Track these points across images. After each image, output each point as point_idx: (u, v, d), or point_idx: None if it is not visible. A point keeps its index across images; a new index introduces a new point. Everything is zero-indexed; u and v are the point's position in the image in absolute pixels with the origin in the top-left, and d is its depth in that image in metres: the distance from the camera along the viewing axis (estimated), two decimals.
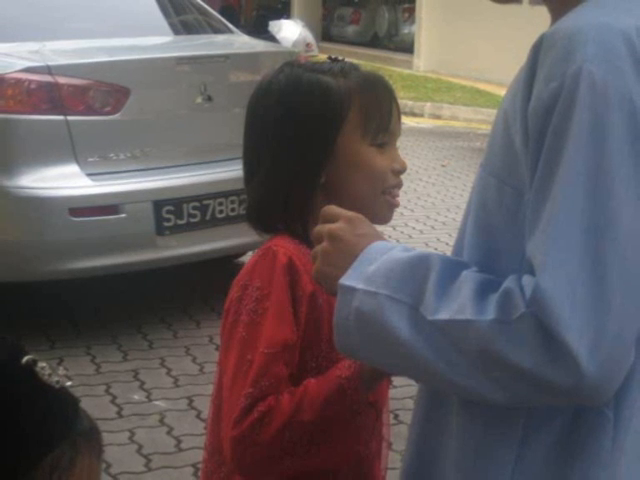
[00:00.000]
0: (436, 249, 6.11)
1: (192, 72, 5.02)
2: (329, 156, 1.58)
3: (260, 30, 16.65)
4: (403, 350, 1.23)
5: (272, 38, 14.40)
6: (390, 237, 6.08)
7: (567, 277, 1.13)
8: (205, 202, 4.87)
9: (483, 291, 1.19)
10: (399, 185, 1.65)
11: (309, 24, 18.11)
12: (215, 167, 4.96)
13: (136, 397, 4.19)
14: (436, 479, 1.37)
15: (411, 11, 18.25)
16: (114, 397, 4.17)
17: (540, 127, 1.18)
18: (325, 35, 21.37)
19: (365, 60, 14.90)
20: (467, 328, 1.17)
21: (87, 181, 4.59)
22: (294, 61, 1.68)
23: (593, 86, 1.15)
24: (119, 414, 4.02)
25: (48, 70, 4.54)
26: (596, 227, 1.14)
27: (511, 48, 10.69)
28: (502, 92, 1.55)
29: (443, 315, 1.20)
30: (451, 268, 1.24)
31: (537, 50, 1.22)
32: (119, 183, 4.68)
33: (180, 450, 3.74)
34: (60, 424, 1.06)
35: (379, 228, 1.44)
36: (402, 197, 1.73)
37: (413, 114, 12.45)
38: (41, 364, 1.07)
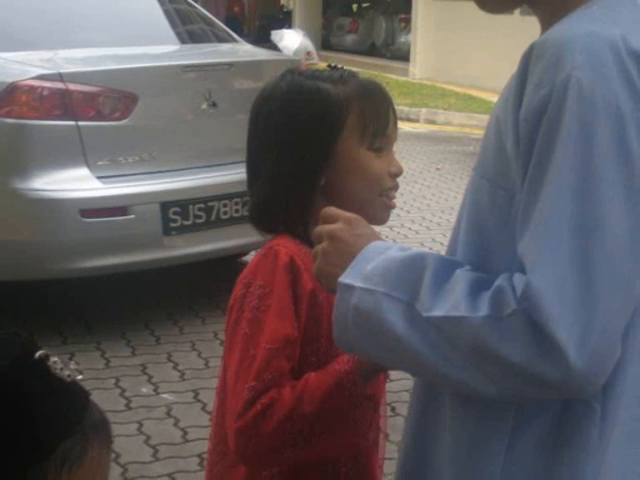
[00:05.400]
0: (431, 249, 6.10)
1: (197, 79, 5.02)
2: (328, 160, 1.58)
3: (262, 39, 16.68)
4: (399, 345, 1.23)
5: (274, 47, 14.43)
6: (387, 237, 6.08)
7: (557, 276, 1.13)
8: (210, 204, 4.87)
9: (476, 289, 1.19)
10: (396, 187, 1.65)
11: (309, 33, 18.13)
12: (219, 170, 4.96)
13: (144, 390, 4.19)
14: (431, 470, 1.37)
15: (407, 21, 18.25)
16: (123, 390, 4.17)
17: (530, 132, 1.18)
18: (325, 44, 21.38)
19: (363, 68, 14.92)
20: (461, 324, 1.17)
21: (97, 183, 4.60)
22: (295, 69, 1.68)
23: (581, 93, 1.15)
24: (128, 406, 4.02)
25: (60, 77, 4.54)
26: (584, 228, 1.14)
27: (503, 56, 10.69)
28: (494, 98, 1.55)
29: (438, 312, 1.20)
30: (446, 267, 1.24)
31: (528, 58, 1.22)
32: (128, 185, 4.68)
33: (186, 441, 3.74)
34: (71, 416, 1.06)
35: (376, 228, 1.44)
36: (398, 199, 1.73)
37: (409, 119, 12.44)
38: (53, 359, 1.07)
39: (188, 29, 6.02)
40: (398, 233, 6.79)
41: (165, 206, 4.71)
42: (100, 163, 4.63)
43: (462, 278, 1.22)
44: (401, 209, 7.26)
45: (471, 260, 1.28)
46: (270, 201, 1.61)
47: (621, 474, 1.24)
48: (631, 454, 1.25)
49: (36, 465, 1.03)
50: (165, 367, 4.43)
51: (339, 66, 1.67)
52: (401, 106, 12.20)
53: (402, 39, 18.81)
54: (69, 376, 1.08)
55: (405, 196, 7.74)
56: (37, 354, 1.05)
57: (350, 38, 20.90)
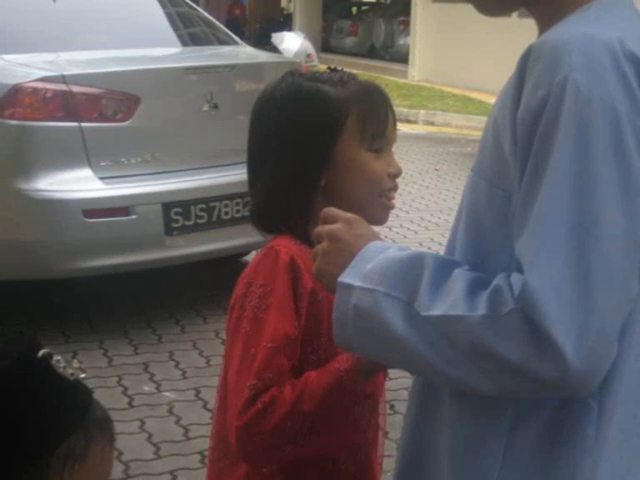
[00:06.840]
0: (430, 249, 6.10)
1: (199, 81, 5.02)
2: (328, 161, 1.58)
3: (263, 42, 16.67)
4: (398, 344, 1.23)
5: (275, 49, 14.41)
6: (386, 237, 6.08)
7: (554, 275, 1.13)
8: (211, 204, 4.88)
9: (474, 288, 1.19)
10: (395, 188, 1.65)
11: (310, 36, 18.12)
12: (221, 171, 4.96)
13: (146, 388, 4.19)
14: (430, 467, 1.37)
15: (406, 24, 18.25)
16: (125, 388, 4.17)
17: (528, 133, 1.18)
18: (325, 46, 21.39)
19: (363, 70, 14.92)
20: (459, 323, 1.17)
21: (100, 184, 4.60)
22: (295, 71, 1.68)
23: (578, 94, 1.15)
24: (130, 404, 4.02)
25: (63, 79, 4.54)
26: (581, 227, 1.14)
27: (501, 58, 10.68)
28: (492, 100, 1.55)
29: (436, 311, 1.20)
30: (444, 267, 1.24)
31: (525, 60, 1.22)
32: (130, 186, 4.68)
33: (188, 439, 3.74)
34: (74, 414, 1.06)
35: (376, 229, 1.44)
36: (397, 199, 1.73)
37: (408, 121, 12.44)
38: (56, 357, 1.07)
39: (190, 32, 6.02)
40: (397, 233, 6.79)
41: (167, 206, 4.71)
42: (103, 164, 4.63)
43: (460, 277, 1.22)
44: (400, 210, 7.26)
45: (469, 260, 1.28)
46: (271, 202, 1.61)
47: (618, 471, 1.24)
48: (628, 451, 1.25)
49: (39, 463, 1.03)
50: (167, 365, 4.43)
51: (339, 68, 1.67)
52: (400, 108, 12.20)
53: (401, 41, 18.82)
54: (72, 374, 1.08)
55: (404, 197, 7.74)
56: (40, 353, 1.05)
57: (350, 40, 20.91)
